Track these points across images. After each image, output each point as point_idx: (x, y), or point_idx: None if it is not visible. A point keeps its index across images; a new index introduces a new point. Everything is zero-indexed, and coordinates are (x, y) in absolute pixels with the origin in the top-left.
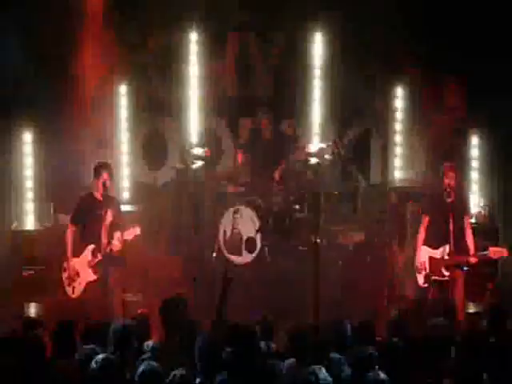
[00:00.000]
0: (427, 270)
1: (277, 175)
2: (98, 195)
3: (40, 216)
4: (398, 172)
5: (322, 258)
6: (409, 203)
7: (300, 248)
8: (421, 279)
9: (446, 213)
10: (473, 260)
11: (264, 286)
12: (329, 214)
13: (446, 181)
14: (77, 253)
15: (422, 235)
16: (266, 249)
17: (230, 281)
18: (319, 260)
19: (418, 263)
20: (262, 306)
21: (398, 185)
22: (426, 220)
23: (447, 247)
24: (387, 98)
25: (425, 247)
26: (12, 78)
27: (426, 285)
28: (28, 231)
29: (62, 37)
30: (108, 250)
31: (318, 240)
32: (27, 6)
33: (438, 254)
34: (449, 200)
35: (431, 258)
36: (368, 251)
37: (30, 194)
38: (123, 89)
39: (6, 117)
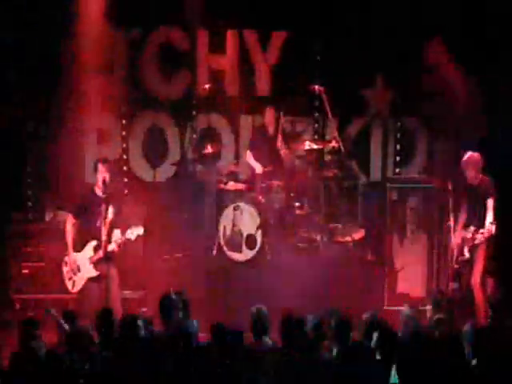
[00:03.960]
0: (456, 253)
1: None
2: (99, 191)
3: (39, 212)
4: (398, 168)
5: (321, 255)
6: (409, 200)
7: (300, 245)
8: (454, 260)
9: (471, 196)
10: (487, 233)
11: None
12: (329, 211)
13: (470, 171)
14: (78, 248)
15: (463, 218)
16: (267, 246)
17: None
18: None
19: (455, 244)
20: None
21: (398, 181)
22: (464, 203)
23: (472, 229)
24: (387, 94)
25: (461, 230)
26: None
27: (456, 266)
28: (27, 227)
29: (63, 33)
30: (107, 249)
31: (318, 237)
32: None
33: (467, 234)
34: (475, 184)
35: (462, 239)
36: (368, 248)
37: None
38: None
39: (6, 112)
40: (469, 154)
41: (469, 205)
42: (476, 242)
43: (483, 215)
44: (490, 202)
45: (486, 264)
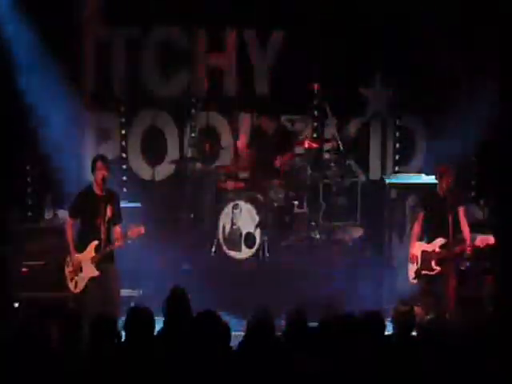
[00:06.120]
0: (418, 265)
1: (278, 162)
2: (98, 189)
3: (39, 210)
4: (398, 167)
5: (320, 254)
6: (408, 198)
7: (299, 244)
8: (412, 274)
9: (440, 207)
10: (469, 250)
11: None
12: (328, 210)
13: (442, 183)
14: (80, 248)
15: (416, 231)
16: (266, 244)
17: None
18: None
19: (410, 256)
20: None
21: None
22: (420, 216)
23: (440, 241)
24: (386, 93)
25: (419, 242)
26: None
27: (415, 280)
28: (27, 225)
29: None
30: (108, 249)
31: (318, 235)
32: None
33: (430, 248)
34: (443, 195)
35: (423, 252)
36: (367, 247)
37: (29, 188)
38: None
39: (7, 111)
40: (440, 165)
41: (436, 216)
42: (468, 249)
43: (453, 226)
44: (462, 212)
45: (457, 286)
